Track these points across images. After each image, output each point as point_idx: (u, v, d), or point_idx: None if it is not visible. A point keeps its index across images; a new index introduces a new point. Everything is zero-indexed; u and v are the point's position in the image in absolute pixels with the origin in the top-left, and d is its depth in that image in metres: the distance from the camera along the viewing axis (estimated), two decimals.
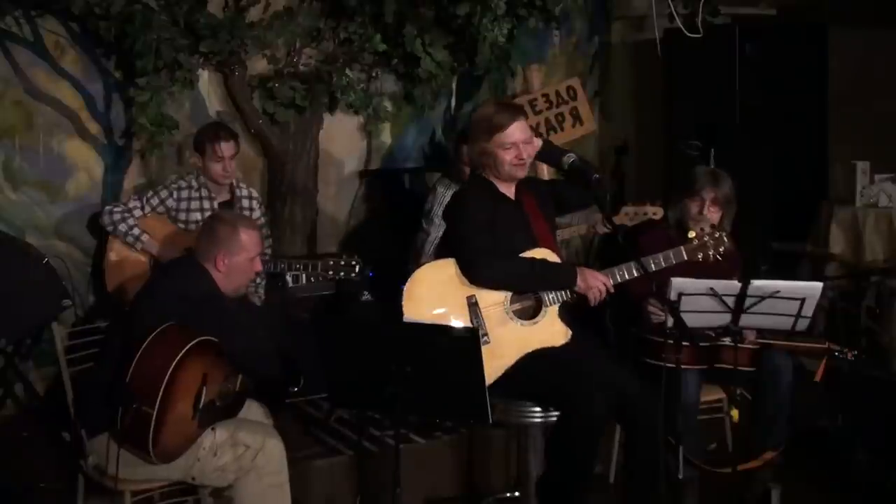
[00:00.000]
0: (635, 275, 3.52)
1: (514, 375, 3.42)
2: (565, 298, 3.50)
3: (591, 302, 3.50)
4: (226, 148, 4.55)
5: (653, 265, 3.55)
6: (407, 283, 3.46)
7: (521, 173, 3.56)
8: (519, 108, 3.65)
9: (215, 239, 3.49)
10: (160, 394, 3.11)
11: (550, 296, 3.48)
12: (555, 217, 3.79)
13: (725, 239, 3.64)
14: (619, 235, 3.87)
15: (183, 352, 3.15)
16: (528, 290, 3.50)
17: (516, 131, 3.49)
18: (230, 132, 4.65)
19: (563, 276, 3.50)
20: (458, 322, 3.41)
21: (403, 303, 3.43)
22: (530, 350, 3.45)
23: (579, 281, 3.47)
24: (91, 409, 3.37)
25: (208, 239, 3.51)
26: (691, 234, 3.68)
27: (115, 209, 4.55)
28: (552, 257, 3.53)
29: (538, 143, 3.60)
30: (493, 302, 3.45)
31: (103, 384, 3.28)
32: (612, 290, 3.51)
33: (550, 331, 3.48)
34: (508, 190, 3.62)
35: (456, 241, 3.53)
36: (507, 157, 3.50)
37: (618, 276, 3.53)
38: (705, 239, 3.63)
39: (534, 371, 3.43)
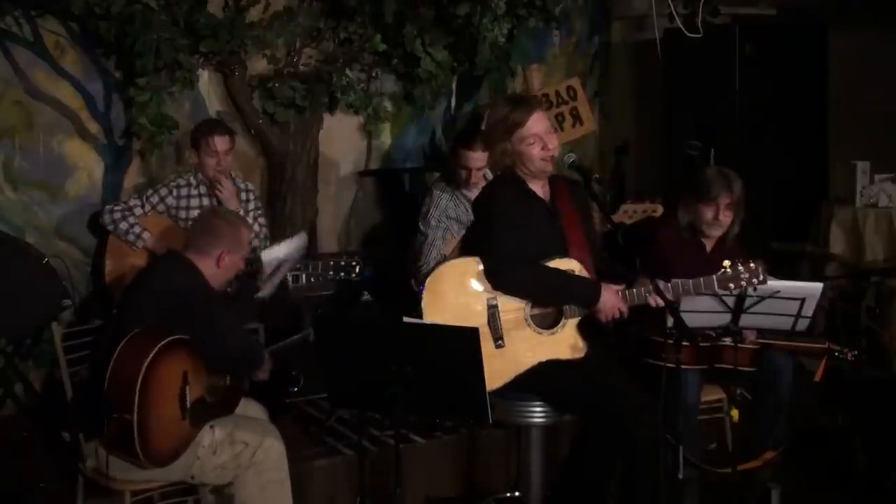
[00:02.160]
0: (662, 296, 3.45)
1: (535, 376, 3.40)
2: (586, 312, 3.46)
3: (602, 321, 3.45)
4: (220, 142, 4.57)
5: (681, 290, 3.47)
6: (430, 278, 3.46)
7: (550, 166, 3.49)
8: (534, 100, 3.56)
9: (218, 235, 3.49)
10: (136, 399, 3.10)
11: (571, 308, 3.44)
12: (592, 222, 3.70)
13: (761, 272, 3.49)
14: (619, 236, 3.87)
15: (151, 355, 3.14)
16: (549, 304, 3.47)
17: (536, 123, 3.42)
18: (225, 127, 4.68)
19: (586, 293, 3.43)
20: (475, 323, 3.36)
21: (423, 296, 3.42)
22: (544, 360, 3.43)
23: (600, 303, 3.41)
24: (86, 412, 3.37)
25: (208, 235, 3.50)
26: (726, 264, 3.50)
27: (116, 208, 4.55)
28: (580, 270, 3.45)
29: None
30: (513, 307, 3.44)
31: (95, 387, 3.29)
32: (625, 315, 3.46)
33: (567, 343, 3.45)
34: (541, 188, 3.54)
35: (482, 240, 3.46)
36: (534, 151, 3.42)
37: (645, 297, 3.45)
38: (740, 269, 3.48)
39: (558, 376, 3.41)
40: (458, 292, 3.44)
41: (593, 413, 3.37)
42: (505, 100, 3.70)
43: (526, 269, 3.41)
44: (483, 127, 3.60)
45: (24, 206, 4.86)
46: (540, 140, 3.43)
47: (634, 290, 3.45)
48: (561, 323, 3.45)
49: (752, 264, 3.49)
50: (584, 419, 3.45)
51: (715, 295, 3.60)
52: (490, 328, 3.41)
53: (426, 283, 3.45)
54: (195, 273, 3.45)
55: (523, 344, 3.42)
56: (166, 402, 3.21)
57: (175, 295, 3.36)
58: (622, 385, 3.43)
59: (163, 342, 3.18)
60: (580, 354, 3.45)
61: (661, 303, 3.42)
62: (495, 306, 3.42)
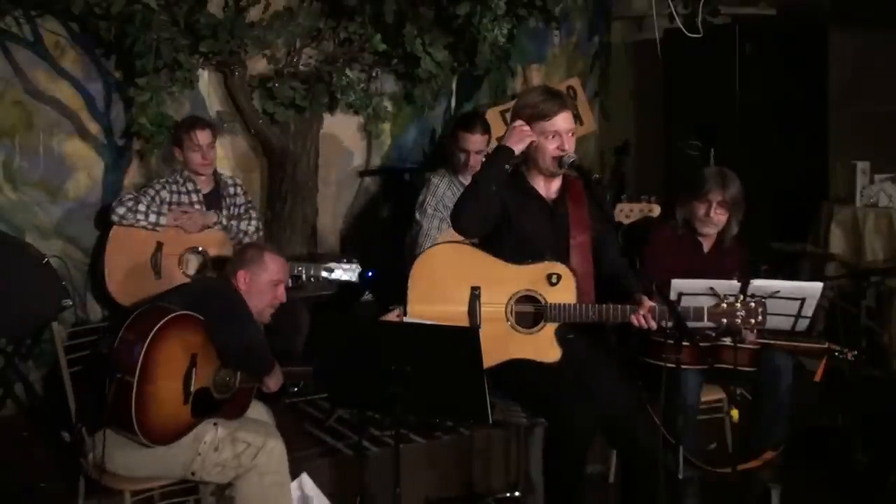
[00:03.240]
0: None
1: (502, 376, 3.40)
2: (564, 321, 3.43)
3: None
4: (201, 136, 4.59)
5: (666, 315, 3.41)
6: (422, 255, 3.50)
7: (555, 168, 3.46)
8: (568, 99, 3.53)
9: (242, 259, 3.62)
10: (140, 362, 3.16)
11: (552, 313, 3.42)
12: (611, 228, 3.66)
13: (761, 314, 3.43)
14: (618, 236, 3.86)
15: (166, 319, 3.22)
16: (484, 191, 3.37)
17: (561, 121, 3.41)
18: (206, 122, 4.72)
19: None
20: (455, 307, 3.40)
21: (412, 272, 3.45)
22: (515, 358, 3.42)
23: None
24: (90, 405, 3.38)
25: (236, 260, 3.65)
26: (736, 304, 3.44)
27: (124, 198, 4.53)
28: (567, 276, 3.41)
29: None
30: (496, 301, 3.43)
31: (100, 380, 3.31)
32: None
33: (542, 346, 3.43)
34: (544, 187, 3.53)
35: None
36: (550, 146, 3.41)
37: (628, 315, 3.41)
38: (737, 305, 3.43)
39: (521, 376, 3.41)
40: (445, 273, 3.44)
41: (545, 410, 3.39)
42: (541, 88, 3.68)
43: (459, 215, 3.35)
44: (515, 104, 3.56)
45: (24, 206, 4.86)
46: (559, 138, 3.42)
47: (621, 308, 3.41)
48: (540, 325, 3.44)
49: (752, 303, 3.44)
50: (544, 419, 3.45)
51: (715, 295, 3.60)
52: (468, 314, 3.41)
53: (417, 259, 3.49)
54: (232, 287, 3.57)
55: (497, 339, 3.40)
56: (170, 377, 3.24)
57: (207, 290, 3.53)
58: (577, 382, 3.39)
59: (179, 312, 3.27)
60: (553, 359, 3.43)
61: (643, 324, 3.40)
62: (478, 296, 3.42)
